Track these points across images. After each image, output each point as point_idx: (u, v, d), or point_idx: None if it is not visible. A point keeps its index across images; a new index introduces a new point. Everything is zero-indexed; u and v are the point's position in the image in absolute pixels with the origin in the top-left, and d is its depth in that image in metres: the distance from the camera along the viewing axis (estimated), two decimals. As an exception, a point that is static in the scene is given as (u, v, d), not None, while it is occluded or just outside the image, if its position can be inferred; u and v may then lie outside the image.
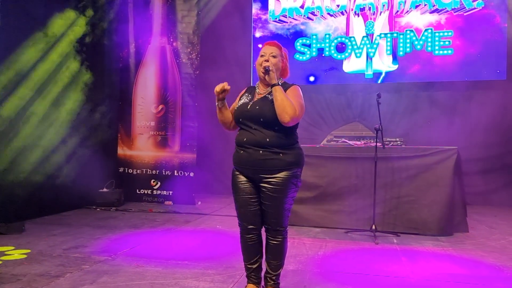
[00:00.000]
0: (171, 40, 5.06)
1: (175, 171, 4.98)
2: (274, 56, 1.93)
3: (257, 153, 1.86)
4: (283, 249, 1.96)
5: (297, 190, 1.95)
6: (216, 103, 1.96)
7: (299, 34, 5.65)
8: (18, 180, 3.74)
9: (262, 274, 2.02)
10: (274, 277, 1.97)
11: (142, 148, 5.10)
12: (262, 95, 1.97)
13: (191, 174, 4.94)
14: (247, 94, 2.02)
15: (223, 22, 5.74)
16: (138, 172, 5.08)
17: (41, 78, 4.04)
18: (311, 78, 5.58)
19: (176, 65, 5.04)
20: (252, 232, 1.95)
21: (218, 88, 1.92)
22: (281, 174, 1.86)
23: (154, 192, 5.03)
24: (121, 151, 5.16)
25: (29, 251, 2.79)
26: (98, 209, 4.53)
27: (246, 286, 2.02)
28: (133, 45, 5.16)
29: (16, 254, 2.73)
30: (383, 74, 5.35)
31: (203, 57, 5.22)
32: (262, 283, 2.02)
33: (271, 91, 1.91)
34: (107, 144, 5.04)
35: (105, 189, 4.77)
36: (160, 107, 5.07)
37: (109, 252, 2.80)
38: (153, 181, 5.03)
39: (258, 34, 5.77)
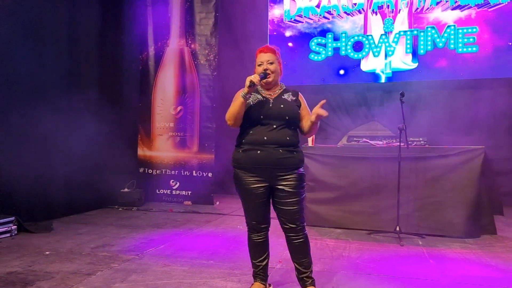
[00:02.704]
0: (189, 42, 5.12)
1: (194, 172, 5.03)
2: (271, 63, 1.95)
3: (277, 152, 1.88)
4: (308, 245, 1.99)
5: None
6: (245, 95, 1.85)
7: (325, 32, 5.52)
8: (45, 181, 3.84)
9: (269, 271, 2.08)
10: (310, 274, 1.98)
11: (162, 149, 5.17)
12: (276, 95, 1.99)
13: (210, 175, 4.98)
14: (253, 93, 1.96)
15: (240, 23, 5.76)
16: (157, 172, 5.15)
17: (62, 83, 4.14)
18: (341, 72, 5.47)
19: (194, 67, 5.09)
20: (262, 230, 1.99)
21: (255, 79, 1.85)
22: (294, 173, 1.91)
23: (173, 192, 5.09)
24: (141, 151, 5.25)
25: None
26: (120, 209, 4.61)
27: (253, 284, 2.04)
28: (152, 48, 5.23)
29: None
30: (391, 74, 5.26)
31: (221, 58, 5.25)
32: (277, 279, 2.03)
33: (282, 92, 2.00)
34: (128, 145, 5.13)
35: (126, 189, 4.85)
36: (179, 108, 5.12)
37: (135, 251, 2.84)
38: (172, 181, 5.09)
39: (288, 33, 5.72)
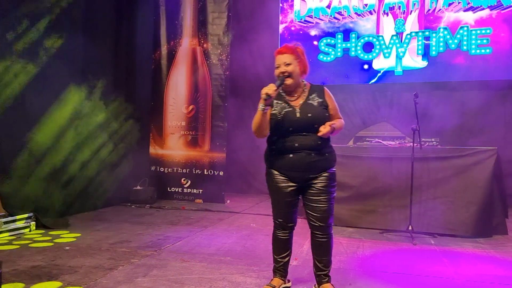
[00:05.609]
0: (202, 41, 5.17)
1: (205, 170, 5.09)
2: (288, 64, 1.90)
3: (309, 156, 1.92)
4: (331, 245, 2.05)
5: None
6: (262, 107, 1.82)
7: (348, 32, 5.49)
8: (63, 179, 3.92)
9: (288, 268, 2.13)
10: (327, 273, 2.04)
11: (173, 147, 5.24)
12: (302, 101, 1.95)
13: (221, 173, 5.04)
14: (277, 101, 1.96)
15: (252, 23, 5.79)
16: (169, 170, 5.22)
17: (75, 81, 4.21)
18: (365, 66, 5.43)
19: (206, 66, 5.14)
20: (288, 229, 2.05)
21: (271, 90, 1.79)
22: (326, 173, 1.95)
23: (185, 190, 5.15)
24: (153, 150, 5.32)
25: (79, 234, 3.21)
26: (132, 206, 4.69)
27: (272, 279, 2.09)
28: (165, 47, 5.30)
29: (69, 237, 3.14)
30: (380, 73, 5.24)
31: (233, 58, 5.30)
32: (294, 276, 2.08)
33: (308, 96, 1.96)
34: (140, 143, 5.21)
35: (138, 187, 4.93)
36: (191, 107, 5.18)
37: (153, 247, 2.91)
38: (184, 180, 5.16)
39: (313, 32, 5.70)
